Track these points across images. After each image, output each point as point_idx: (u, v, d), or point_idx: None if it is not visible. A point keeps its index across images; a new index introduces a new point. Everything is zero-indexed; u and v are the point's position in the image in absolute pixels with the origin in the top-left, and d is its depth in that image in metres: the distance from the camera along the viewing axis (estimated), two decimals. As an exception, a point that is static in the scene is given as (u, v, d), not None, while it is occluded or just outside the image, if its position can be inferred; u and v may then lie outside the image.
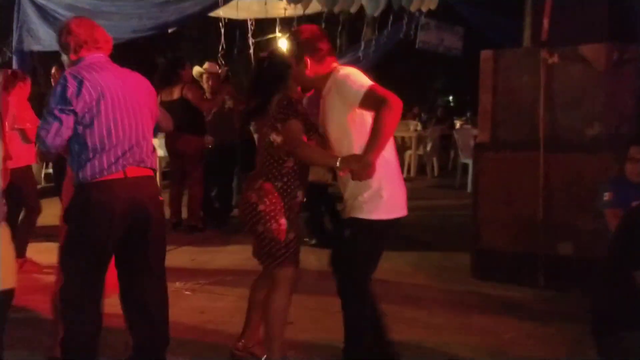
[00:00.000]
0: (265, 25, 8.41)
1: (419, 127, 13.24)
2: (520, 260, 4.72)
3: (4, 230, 2.05)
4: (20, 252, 4.65)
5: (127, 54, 13.20)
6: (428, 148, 11.77)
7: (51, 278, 3.48)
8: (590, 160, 4.50)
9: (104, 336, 3.03)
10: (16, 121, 4.78)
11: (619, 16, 4.85)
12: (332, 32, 9.65)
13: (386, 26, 9.04)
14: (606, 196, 3.77)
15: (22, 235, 4.94)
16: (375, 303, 3.08)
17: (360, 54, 9.38)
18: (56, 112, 2.67)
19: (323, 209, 6.10)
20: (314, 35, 2.99)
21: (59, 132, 2.68)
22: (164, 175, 9.02)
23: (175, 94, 6.39)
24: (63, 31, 2.89)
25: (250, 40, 7.25)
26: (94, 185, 2.69)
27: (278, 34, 8.44)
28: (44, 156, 3.55)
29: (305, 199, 3.09)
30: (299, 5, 6.85)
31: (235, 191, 7.80)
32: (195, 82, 6.84)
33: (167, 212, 6.76)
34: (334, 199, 6.38)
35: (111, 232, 2.72)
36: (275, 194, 2.96)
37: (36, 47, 6.16)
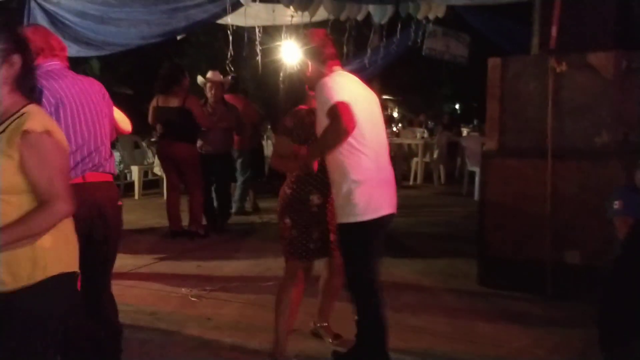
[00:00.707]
0: (273, 33, 8.44)
1: (426, 135, 13.23)
2: (527, 269, 4.69)
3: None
4: None
5: (134, 60, 13.30)
6: (435, 155, 11.75)
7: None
8: (599, 169, 4.48)
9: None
10: None
11: (627, 24, 4.84)
12: (339, 39, 9.68)
13: (393, 33, 9.04)
14: (616, 204, 3.75)
15: None
16: (381, 306, 3.16)
17: (366, 61, 9.39)
18: None
19: None
20: (321, 42, 3.22)
21: None
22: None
23: (174, 101, 6.38)
24: None
25: (258, 48, 7.26)
26: None
27: (284, 41, 8.48)
28: None
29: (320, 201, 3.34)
30: (306, 13, 6.87)
31: (238, 198, 7.81)
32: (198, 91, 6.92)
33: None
34: None
35: None
36: (284, 198, 3.36)
37: (45, 53, 6.20)
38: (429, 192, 10.60)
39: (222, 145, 6.86)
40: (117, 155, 9.72)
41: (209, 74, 6.91)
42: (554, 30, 4.66)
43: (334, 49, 3.22)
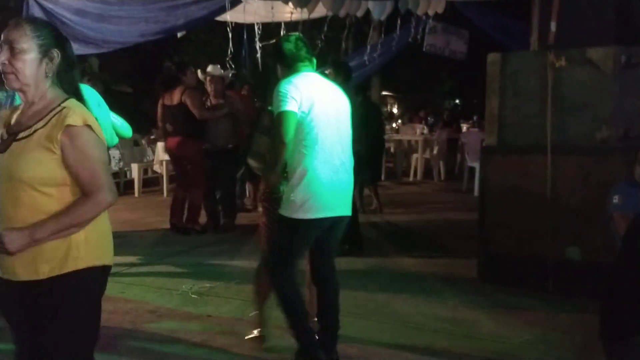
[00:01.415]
0: (273, 29, 8.43)
1: (426, 131, 13.23)
2: (528, 265, 4.69)
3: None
4: None
5: (134, 58, 13.29)
6: (435, 151, 11.75)
7: None
8: (599, 164, 4.47)
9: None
10: None
11: (626, 19, 4.83)
12: (338, 36, 9.67)
13: (393, 30, 9.03)
14: (615, 199, 3.75)
15: None
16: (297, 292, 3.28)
17: (366, 57, 9.39)
18: None
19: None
20: (288, 45, 3.27)
21: None
22: (170, 179, 9.07)
23: (176, 98, 6.47)
24: None
25: (258, 45, 7.25)
26: None
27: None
28: None
29: None
30: (305, 9, 6.86)
31: (239, 195, 7.79)
32: (200, 86, 6.88)
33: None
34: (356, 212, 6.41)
35: None
36: (263, 196, 3.45)
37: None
38: (429, 189, 10.60)
39: (224, 142, 6.80)
40: (116, 153, 9.73)
41: (209, 68, 6.88)
42: (553, 26, 4.66)
43: (304, 51, 3.24)
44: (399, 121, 17.55)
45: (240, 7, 6.54)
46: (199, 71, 6.98)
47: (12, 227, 1.95)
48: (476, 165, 8.75)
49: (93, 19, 5.81)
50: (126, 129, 3.54)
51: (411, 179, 11.61)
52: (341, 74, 5.72)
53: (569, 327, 3.92)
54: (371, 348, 3.61)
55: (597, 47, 4.54)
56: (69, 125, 1.97)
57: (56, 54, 2.05)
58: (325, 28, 8.20)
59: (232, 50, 6.84)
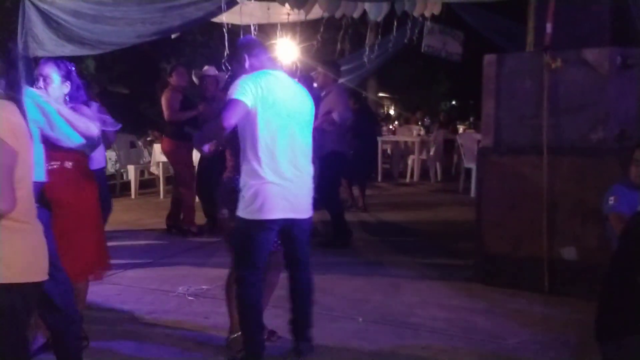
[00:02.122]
0: (269, 30, 8.44)
1: (422, 132, 13.23)
2: (524, 265, 4.70)
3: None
4: None
5: (131, 59, 13.29)
6: (431, 153, 11.76)
7: None
8: (595, 165, 4.48)
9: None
10: None
11: (622, 20, 4.84)
12: (335, 37, 9.68)
13: (389, 31, 9.05)
14: (611, 200, 3.76)
15: None
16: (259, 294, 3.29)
17: (365, 59, 9.41)
18: None
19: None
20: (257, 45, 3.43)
21: None
22: (167, 180, 9.07)
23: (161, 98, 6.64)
24: None
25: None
26: None
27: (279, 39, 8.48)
28: None
29: None
30: (302, 11, 6.86)
31: None
32: (189, 87, 6.91)
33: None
34: (340, 206, 6.46)
35: None
36: (221, 189, 3.43)
37: (40, 53, 6.17)
38: (426, 190, 10.61)
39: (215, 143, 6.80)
40: (113, 154, 9.71)
41: (204, 69, 6.86)
42: (549, 27, 4.66)
43: (264, 54, 3.34)
44: (396, 122, 17.53)
45: (236, 8, 6.54)
46: (193, 72, 6.97)
47: None
48: (472, 166, 8.76)
49: (89, 20, 5.80)
50: (74, 136, 3.43)
51: (408, 180, 11.61)
52: (331, 72, 5.83)
53: (564, 327, 3.92)
54: (367, 349, 3.60)
55: (592, 49, 4.55)
56: None
57: None
58: (322, 29, 8.21)
59: (228, 51, 6.83)
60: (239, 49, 3.41)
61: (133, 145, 10.46)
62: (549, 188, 4.62)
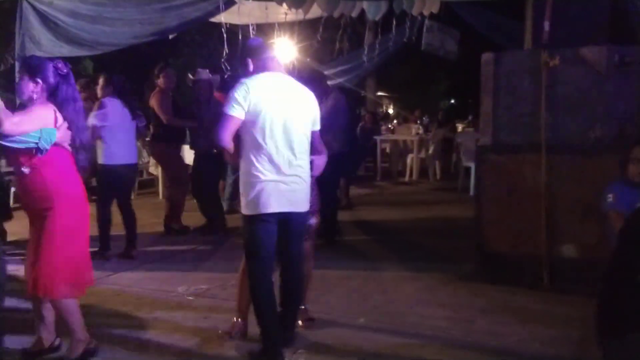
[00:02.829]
0: (267, 30, 8.43)
1: (421, 131, 13.24)
2: (524, 263, 4.70)
3: None
4: None
5: (129, 60, 13.26)
6: (430, 151, 11.76)
7: None
8: (593, 163, 4.49)
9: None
10: None
11: (620, 18, 4.85)
12: (333, 37, 9.68)
13: (388, 30, 9.04)
14: (610, 198, 3.76)
15: None
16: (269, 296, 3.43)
17: (364, 58, 9.40)
18: None
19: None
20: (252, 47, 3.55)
21: None
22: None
23: (150, 101, 6.61)
24: None
25: (252, 45, 7.24)
26: None
27: (277, 39, 8.47)
28: None
29: None
30: (300, 10, 6.86)
31: (228, 197, 7.76)
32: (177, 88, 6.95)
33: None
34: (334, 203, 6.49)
35: None
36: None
37: (38, 54, 6.17)
38: (425, 188, 10.61)
39: (206, 145, 6.52)
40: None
41: (197, 72, 6.84)
42: (546, 25, 4.67)
43: (269, 53, 3.47)
44: (395, 121, 17.52)
45: (234, 8, 6.55)
46: (188, 75, 6.96)
47: None
48: (471, 164, 8.77)
49: (87, 21, 5.80)
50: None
51: (407, 178, 11.61)
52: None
53: (564, 324, 3.93)
54: (367, 348, 3.61)
55: (591, 47, 4.56)
56: None
57: None
58: (321, 29, 8.21)
59: (227, 51, 6.83)
60: (243, 52, 3.56)
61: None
62: (547, 186, 4.62)
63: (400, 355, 3.53)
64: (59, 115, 3.24)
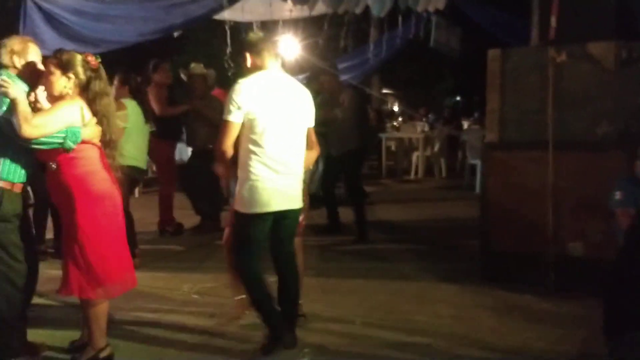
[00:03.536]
0: (271, 27, 8.41)
1: (427, 128, 13.20)
2: (529, 261, 4.67)
3: None
4: None
5: (133, 57, 13.28)
6: (436, 149, 11.72)
7: None
8: (600, 159, 4.45)
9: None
10: None
11: (627, 14, 4.80)
12: (337, 33, 9.65)
13: (392, 27, 9.01)
14: (617, 195, 3.74)
15: None
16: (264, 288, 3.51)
17: (370, 55, 9.37)
18: None
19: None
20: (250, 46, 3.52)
21: None
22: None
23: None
24: None
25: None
26: None
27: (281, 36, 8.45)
28: None
29: None
30: (305, 7, 6.84)
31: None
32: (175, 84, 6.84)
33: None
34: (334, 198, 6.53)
35: None
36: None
37: (42, 52, 6.18)
38: (430, 186, 10.58)
39: (202, 142, 6.52)
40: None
41: (193, 65, 6.72)
42: (553, 21, 4.63)
43: (267, 52, 3.44)
44: (400, 119, 17.47)
45: (238, 5, 6.53)
46: (181, 70, 6.89)
47: None
48: (477, 162, 8.73)
49: (91, 19, 5.81)
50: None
51: (412, 176, 11.58)
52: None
53: (570, 323, 3.90)
54: (372, 347, 3.59)
55: (597, 42, 4.51)
56: None
57: None
58: (325, 26, 8.19)
59: (230, 49, 6.82)
60: (242, 47, 3.57)
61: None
62: (554, 183, 4.59)
63: (405, 354, 3.51)
64: (86, 111, 3.16)
